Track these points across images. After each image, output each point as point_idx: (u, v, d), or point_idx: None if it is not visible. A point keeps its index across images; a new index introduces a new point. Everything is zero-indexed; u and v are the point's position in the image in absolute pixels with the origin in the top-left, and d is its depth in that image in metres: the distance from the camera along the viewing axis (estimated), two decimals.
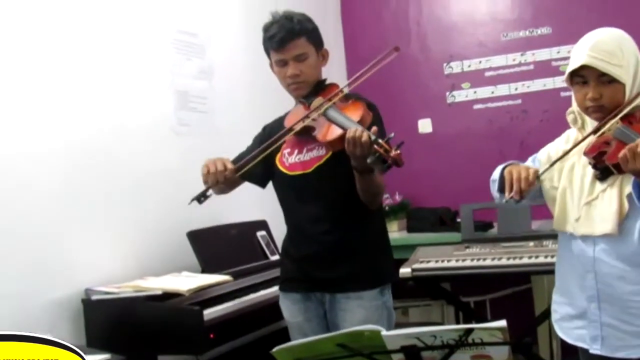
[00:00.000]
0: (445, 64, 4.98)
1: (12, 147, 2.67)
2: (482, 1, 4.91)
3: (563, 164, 2.08)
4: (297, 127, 2.42)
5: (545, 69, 4.70)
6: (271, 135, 2.55)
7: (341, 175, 2.40)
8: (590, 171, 2.02)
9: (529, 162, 2.26)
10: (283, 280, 2.64)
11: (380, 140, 2.11)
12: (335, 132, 2.29)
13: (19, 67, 2.73)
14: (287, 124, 2.50)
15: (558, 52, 4.65)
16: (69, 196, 2.88)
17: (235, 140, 3.75)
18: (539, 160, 2.21)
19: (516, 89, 4.79)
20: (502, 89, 4.82)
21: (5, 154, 2.64)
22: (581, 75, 2.01)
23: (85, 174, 2.96)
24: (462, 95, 4.93)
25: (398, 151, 2.09)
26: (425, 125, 5.01)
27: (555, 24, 4.67)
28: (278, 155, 2.56)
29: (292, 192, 2.53)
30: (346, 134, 2.17)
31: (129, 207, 3.17)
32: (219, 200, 3.42)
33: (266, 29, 2.50)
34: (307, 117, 2.39)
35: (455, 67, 4.95)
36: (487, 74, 4.86)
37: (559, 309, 2.19)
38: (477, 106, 4.90)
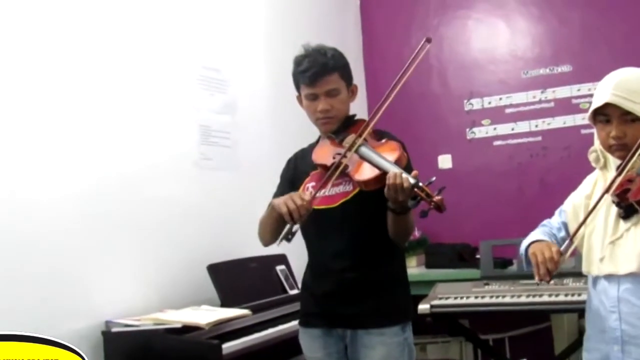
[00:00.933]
0: (465, 101, 5.01)
1: (37, 181, 2.72)
2: (502, 39, 4.95)
3: (588, 205, 2.07)
4: (328, 164, 2.37)
5: (566, 106, 4.71)
6: (300, 168, 2.55)
7: (366, 212, 2.39)
8: (614, 210, 2.00)
9: (555, 216, 2.24)
10: (303, 315, 2.62)
11: (421, 184, 2.10)
12: (371, 171, 2.26)
13: (44, 104, 2.78)
14: (316, 158, 2.47)
15: (578, 90, 4.67)
16: (91, 229, 2.91)
17: (257, 175, 3.81)
18: (564, 212, 2.19)
19: (536, 126, 4.80)
20: (523, 126, 4.83)
21: (31, 188, 2.69)
22: (604, 114, 2.00)
23: (108, 207, 2.99)
24: (482, 131, 4.95)
25: (440, 196, 2.07)
26: (445, 161, 5.03)
27: (576, 61, 4.70)
28: (301, 189, 2.51)
29: (314, 226, 2.50)
30: (386, 177, 2.14)
31: (151, 240, 3.20)
32: (239, 233, 3.45)
33: (298, 62, 2.47)
34: (344, 155, 2.33)
35: (476, 103, 4.98)
36: (508, 110, 4.88)
37: (588, 355, 2.14)
38: (497, 143, 4.92)
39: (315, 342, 2.54)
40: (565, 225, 2.19)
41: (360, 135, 2.35)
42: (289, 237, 2.33)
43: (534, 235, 2.21)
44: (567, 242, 2.05)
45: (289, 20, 4.40)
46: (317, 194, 2.42)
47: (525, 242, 2.20)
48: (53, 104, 2.81)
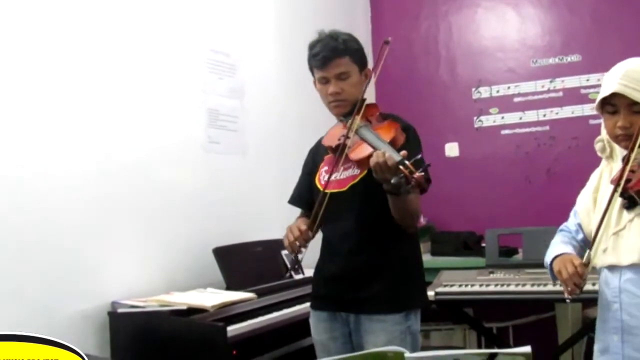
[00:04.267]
0: (473, 89, 5.00)
1: (46, 163, 2.73)
2: (512, 27, 4.93)
3: (596, 199, 2.07)
4: (333, 145, 2.44)
5: (574, 96, 4.70)
6: (317, 155, 2.61)
7: (374, 195, 2.37)
8: (619, 201, 1.99)
9: (571, 218, 2.22)
10: (313, 298, 2.64)
11: (406, 162, 2.09)
12: (365, 150, 2.29)
13: (52, 88, 2.78)
14: (325, 141, 2.53)
15: (587, 80, 4.66)
16: (98, 211, 2.92)
17: (264, 159, 3.82)
18: (577, 212, 2.17)
19: (544, 115, 4.79)
20: (530, 115, 4.82)
21: (40, 170, 2.70)
22: (612, 104, 1.99)
23: (115, 189, 3.00)
24: (490, 120, 4.94)
25: (422, 173, 2.06)
26: (452, 149, 5.02)
27: (585, 51, 4.68)
28: (317, 175, 2.57)
29: (327, 210, 2.48)
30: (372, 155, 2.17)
31: (157, 222, 3.21)
32: (245, 217, 3.46)
33: (311, 46, 2.52)
34: (345, 136, 2.38)
35: (484, 92, 4.97)
36: (516, 99, 4.87)
37: (596, 345, 2.13)
38: (504, 131, 4.91)
39: (321, 324, 2.56)
40: (580, 226, 2.17)
41: (357, 115, 2.38)
42: (295, 267, 2.51)
43: (555, 246, 2.18)
44: (587, 252, 2.01)
45: (298, 6, 4.40)
46: (330, 178, 2.44)
47: (548, 256, 2.17)
48: (62, 87, 2.81)
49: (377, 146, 2.23)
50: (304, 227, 2.42)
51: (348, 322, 2.49)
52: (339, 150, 2.39)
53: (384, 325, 2.41)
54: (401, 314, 2.43)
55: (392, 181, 2.11)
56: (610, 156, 2.10)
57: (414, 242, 2.60)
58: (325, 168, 2.53)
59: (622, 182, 1.94)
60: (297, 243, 2.40)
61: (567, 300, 2.03)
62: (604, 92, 1.99)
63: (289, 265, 2.50)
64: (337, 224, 2.49)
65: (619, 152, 2.06)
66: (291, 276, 2.44)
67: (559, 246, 2.17)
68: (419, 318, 2.51)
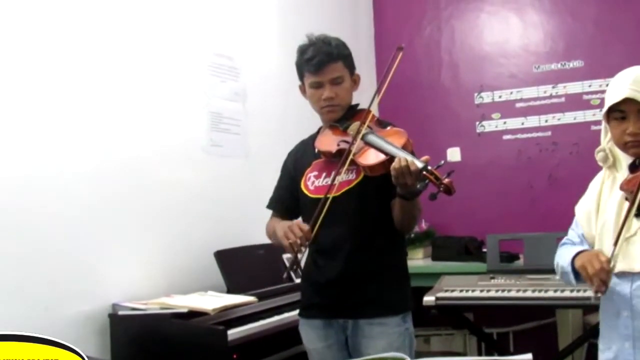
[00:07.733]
0: (476, 94, 4.99)
1: (49, 163, 2.73)
2: (514, 33, 4.93)
3: (599, 206, 2.04)
4: (333, 151, 2.40)
5: (576, 102, 4.69)
6: (301, 159, 2.57)
7: (369, 202, 2.39)
8: (627, 207, 1.94)
9: (571, 232, 2.18)
10: (304, 307, 2.60)
11: (430, 167, 2.09)
12: (377, 156, 2.27)
13: (58, 89, 2.79)
14: (320, 146, 2.49)
15: (590, 86, 4.65)
16: (100, 212, 2.92)
17: (266, 163, 3.81)
18: (578, 222, 2.13)
19: (546, 121, 4.79)
20: (532, 121, 4.82)
21: (43, 170, 2.70)
22: (620, 110, 1.97)
23: (117, 191, 3.00)
24: (492, 125, 4.94)
25: (449, 179, 2.06)
26: (454, 154, 5.01)
27: (588, 57, 4.68)
28: (303, 179, 2.53)
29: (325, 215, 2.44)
30: (393, 161, 2.14)
31: (159, 225, 3.21)
32: (247, 220, 3.46)
33: (303, 50, 2.50)
34: (347, 141, 2.35)
35: (486, 97, 4.96)
36: (518, 105, 4.87)
37: (602, 355, 2.09)
38: (506, 137, 4.91)
39: (315, 333, 2.53)
40: (583, 236, 2.12)
41: (364, 122, 2.36)
42: (294, 267, 2.38)
43: (567, 250, 2.13)
44: (613, 250, 1.93)
45: (301, 9, 4.40)
46: (320, 183, 2.43)
47: (565, 257, 2.10)
48: (65, 89, 2.82)
49: (390, 152, 2.22)
50: (306, 227, 2.32)
51: (345, 328, 2.47)
52: (344, 156, 2.34)
53: (384, 329, 2.41)
54: (399, 316, 2.44)
55: (418, 187, 2.10)
56: (613, 165, 2.07)
57: (403, 246, 2.61)
58: (315, 173, 2.49)
59: (627, 187, 1.90)
60: (299, 242, 2.27)
61: (592, 299, 1.95)
62: (614, 98, 1.96)
63: (287, 266, 2.40)
64: (331, 229, 2.40)
65: (624, 160, 2.02)
66: (290, 278, 2.35)
67: (573, 248, 2.10)
68: (412, 320, 2.51)
